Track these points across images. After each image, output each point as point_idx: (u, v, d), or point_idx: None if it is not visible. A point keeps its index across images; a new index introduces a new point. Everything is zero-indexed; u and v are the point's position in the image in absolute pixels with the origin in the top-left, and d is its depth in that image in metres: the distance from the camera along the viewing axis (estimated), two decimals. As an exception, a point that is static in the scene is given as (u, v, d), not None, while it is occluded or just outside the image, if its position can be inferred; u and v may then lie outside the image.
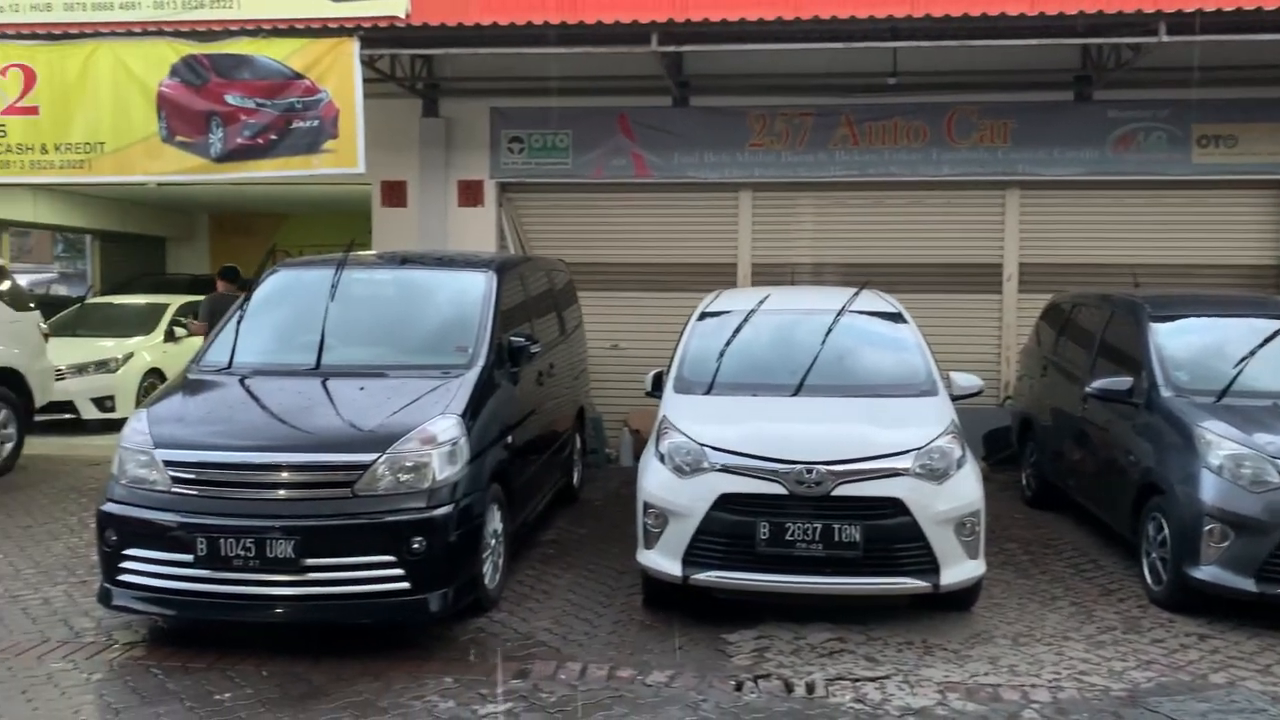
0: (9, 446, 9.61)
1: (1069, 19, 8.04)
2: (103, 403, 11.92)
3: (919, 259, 10.25)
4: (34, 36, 8.93)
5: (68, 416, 11.64)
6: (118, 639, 5.39)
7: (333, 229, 20.37)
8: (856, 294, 6.66)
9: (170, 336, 12.91)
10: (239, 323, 6.36)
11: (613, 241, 10.67)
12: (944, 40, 8.52)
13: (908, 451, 5.44)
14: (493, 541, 5.79)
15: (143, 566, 5.15)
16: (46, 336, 10.35)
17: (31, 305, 10.30)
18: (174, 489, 5.20)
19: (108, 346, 12.33)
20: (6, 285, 9.95)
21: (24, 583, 6.33)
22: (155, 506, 5.17)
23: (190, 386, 5.97)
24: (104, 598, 5.29)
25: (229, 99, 8.53)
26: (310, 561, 4.99)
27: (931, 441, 5.53)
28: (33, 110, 8.73)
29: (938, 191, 10.25)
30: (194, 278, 18.35)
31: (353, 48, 8.47)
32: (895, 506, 5.31)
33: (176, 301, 13.72)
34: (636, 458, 9.94)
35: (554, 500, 7.81)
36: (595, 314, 10.03)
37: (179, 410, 5.70)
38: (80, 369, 11.81)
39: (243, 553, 4.97)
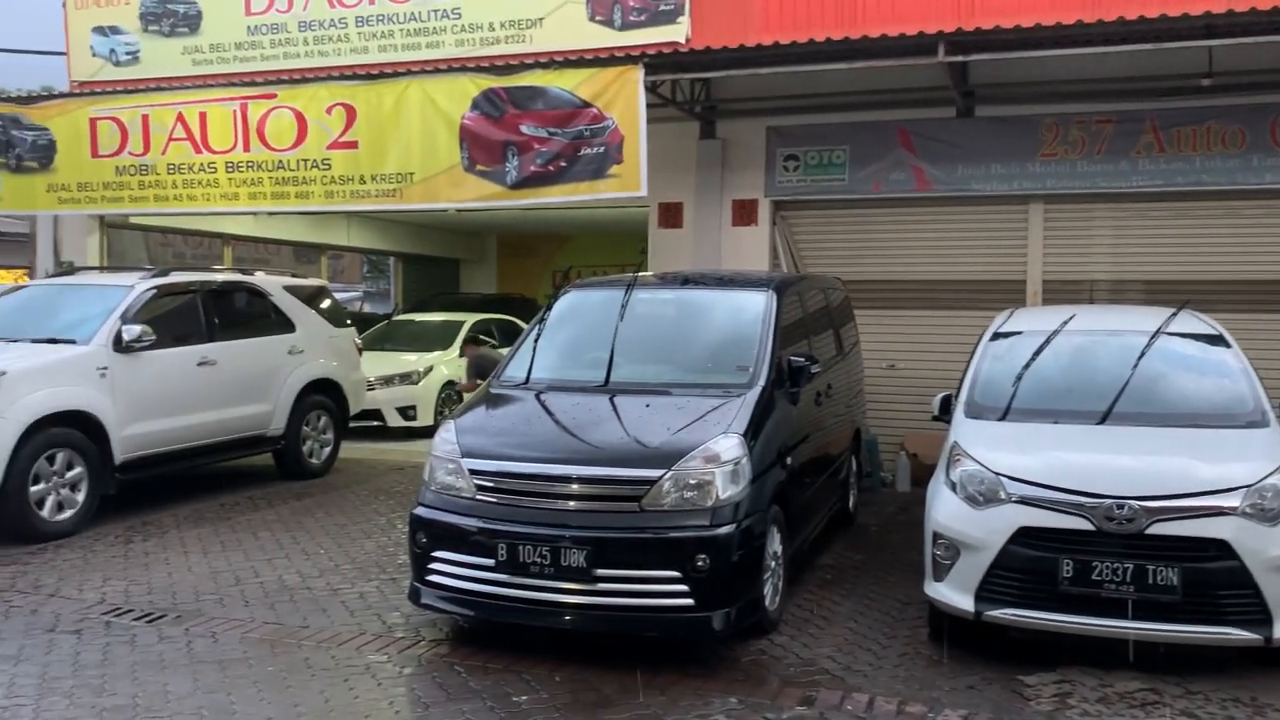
0: (327, 450, 10.61)
1: None
2: (406, 411, 12.96)
3: (1236, 275, 9.31)
4: (354, 77, 9.85)
5: (375, 424, 12.71)
6: (424, 635, 5.76)
7: (608, 250, 21.21)
8: (1175, 314, 6.12)
9: (464, 352, 13.81)
10: (535, 340, 6.68)
11: (890, 258, 10.41)
12: (1272, 35, 7.70)
13: (1235, 489, 4.93)
14: (773, 563, 5.75)
15: (449, 568, 5.49)
16: (360, 350, 11.35)
17: (348, 322, 11.32)
18: (478, 496, 5.51)
19: (410, 360, 13.37)
20: (327, 303, 10.99)
21: (342, 577, 6.91)
22: (461, 512, 5.51)
23: (492, 400, 6.32)
24: (413, 596, 5.68)
25: (523, 129, 9.01)
26: (600, 572, 5.14)
27: (1264, 478, 4.98)
28: (353, 145, 9.60)
29: (1258, 201, 9.27)
30: (483, 297, 19.60)
31: (637, 75, 8.72)
32: (1220, 549, 4.83)
33: (470, 319, 14.70)
34: (914, 483, 9.69)
35: (829, 524, 7.67)
36: (871, 333, 9.80)
37: (482, 422, 6.04)
38: (387, 380, 12.88)
39: (539, 560, 5.20)
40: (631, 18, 10.14)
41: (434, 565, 5.54)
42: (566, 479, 5.42)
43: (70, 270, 11.16)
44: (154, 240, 15.19)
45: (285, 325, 10.13)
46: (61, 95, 11.21)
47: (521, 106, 9.01)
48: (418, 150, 9.35)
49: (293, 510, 8.91)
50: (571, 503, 5.39)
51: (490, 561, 5.32)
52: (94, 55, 12.12)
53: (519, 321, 15.55)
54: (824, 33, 8.46)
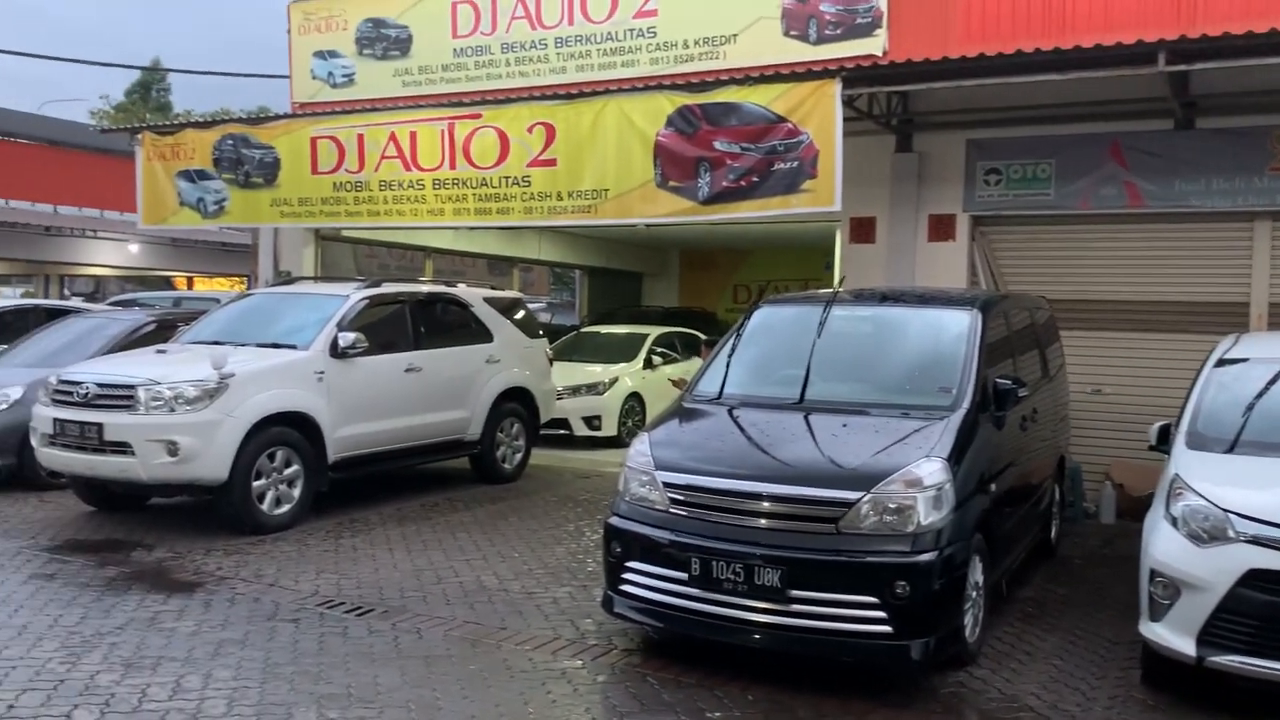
0: (519, 456, 10.95)
1: None
2: (591, 421, 13.24)
3: None
4: (554, 97, 10.13)
5: (561, 432, 13.03)
6: (616, 644, 5.85)
7: (789, 265, 21.08)
8: None
9: (649, 364, 14.02)
10: (729, 355, 6.69)
11: (1097, 277, 9.89)
12: None
13: None
14: (974, 594, 5.55)
15: (641, 579, 5.55)
16: (551, 361, 11.67)
17: (540, 333, 11.66)
18: (671, 509, 5.56)
19: (596, 371, 13.66)
20: (522, 315, 11.35)
21: (536, 581, 7.10)
22: (654, 524, 5.57)
23: (685, 414, 6.36)
24: (606, 604, 5.78)
25: (717, 145, 9.03)
26: (795, 593, 5.10)
27: None
28: (552, 162, 9.86)
29: None
30: (665, 310, 19.80)
31: (834, 89, 8.59)
32: None
33: (654, 332, 14.89)
34: (1119, 514, 9.18)
35: (1030, 555, 7.35)
36: (1075, 355, 9.31)
37: (676, 435, 6.08)
38: (574, 390, 13.19)
39: (732, 576, 5.20)
40: (827, 31, 10.06)
41: (627, 575, 5.62)
42: (759, 496, 5.39)
43: (289, 280, 11.94)
44: (361, 252, 16.09)
45: (484, 335, 10.54)
46: (285, 116, 12.00)
47: (715, 122, 9.03)
48: (613, 167, 9.52)
49: (488, 513, 9.23)
50: (764, 521, 5.35)
51: (683, 575, 5.35)
52: (314, 78, 12.97)
53: (700, 334, 15.65)
54: (1031, 42, 8.15)
